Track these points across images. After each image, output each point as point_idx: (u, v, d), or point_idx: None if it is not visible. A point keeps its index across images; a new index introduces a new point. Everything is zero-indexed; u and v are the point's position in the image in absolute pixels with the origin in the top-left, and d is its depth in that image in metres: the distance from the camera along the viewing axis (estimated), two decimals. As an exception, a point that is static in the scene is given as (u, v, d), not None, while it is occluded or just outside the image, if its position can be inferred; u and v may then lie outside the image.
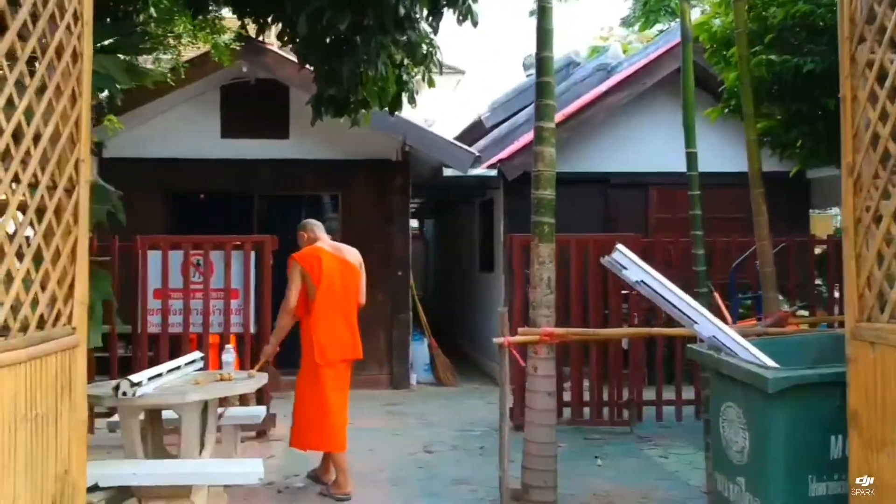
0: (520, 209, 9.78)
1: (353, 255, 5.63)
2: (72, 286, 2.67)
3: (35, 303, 2.44)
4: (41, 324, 2.49)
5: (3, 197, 2.23)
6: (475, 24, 4.50)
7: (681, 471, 5.80)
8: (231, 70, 8.96)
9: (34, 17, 2.36)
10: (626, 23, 18.05)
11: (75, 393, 2.71)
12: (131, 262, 6.95)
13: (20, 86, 2.30)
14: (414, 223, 18.66)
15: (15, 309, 2.32)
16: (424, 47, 4.86)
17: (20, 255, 2.35)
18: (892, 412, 2.68)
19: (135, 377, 4.35)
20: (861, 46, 2.89)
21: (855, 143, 2.90)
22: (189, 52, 8.70)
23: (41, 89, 2.43)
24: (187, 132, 9.54)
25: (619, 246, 3.73)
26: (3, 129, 2.20)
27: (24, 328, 2.37)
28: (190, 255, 6.88)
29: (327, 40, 4.13)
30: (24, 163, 2.33)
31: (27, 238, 2.39)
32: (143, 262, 6.85)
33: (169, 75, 8.13)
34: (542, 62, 4.66)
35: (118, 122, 6.99)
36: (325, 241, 5.58)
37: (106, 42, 3.95)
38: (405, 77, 4.71)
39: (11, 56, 2.27)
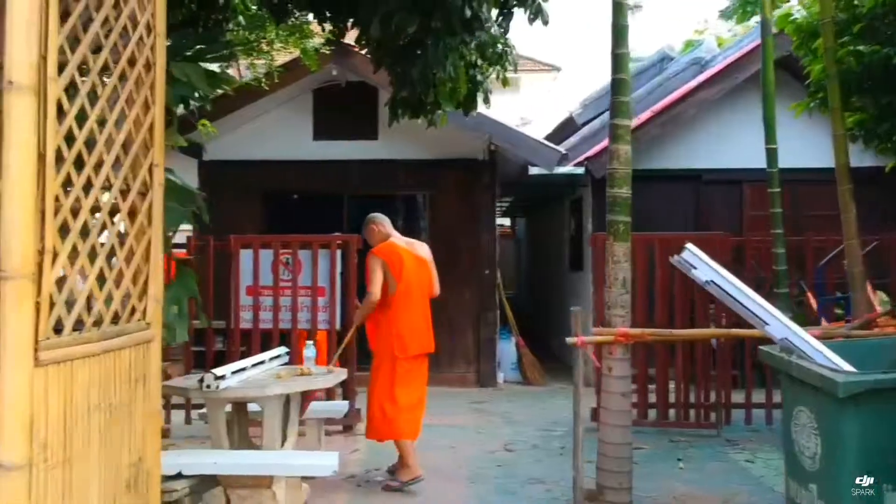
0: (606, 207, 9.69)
1: (424, 250, 5.79)
2: (146, 284, 2.82)
3: (109, 300, 2.59)
4: (116, 319, 2.65)
5: (77, 200, 2.38)
6: (545, 22, 4.49)
7: (766, 476, 5.64)
8: (323, 73, 9.21)
9: (107, 31, 2.51)
10: (725, 15, 17.54)
11: (150, 385, 2.86)
12: (226, 260, 7.25)
13: (93, 95, 2.45)
14: (506, 221, 18.70)
15: (89, 305, 2.48)
16: (499, 47, 4.89)
17: (94, 256, 2.50)
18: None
19: (219, 371, 4.55)
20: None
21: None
22: (283, 57, 9.00)
23: (114, 99, 2.58)
24: (282, 135, 9.86)
25: (689, 245, 3.66)
26: (75, 137, 2.35)
27: (98, 323, 2.52)
28: (279, 254, 7.11)
29: (399, 43, 4.22)
30: (98, 167, 2.48)
31: (100, 239, 2.54)
32: (235, 261, 7.12)
33: (263, 80, 8.45)
34: (617, 59, 4.60)
35: (212, 127, 7.29)
36: (397, 237, 5.71)
37: (189, 51, 4.11)
38: (479, 77, 4.74)
39: (84, 68, 2.42)
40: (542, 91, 28.26)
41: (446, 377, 9.64)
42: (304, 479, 5.27)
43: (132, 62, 2.69)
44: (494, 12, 4.34)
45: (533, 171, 9.41)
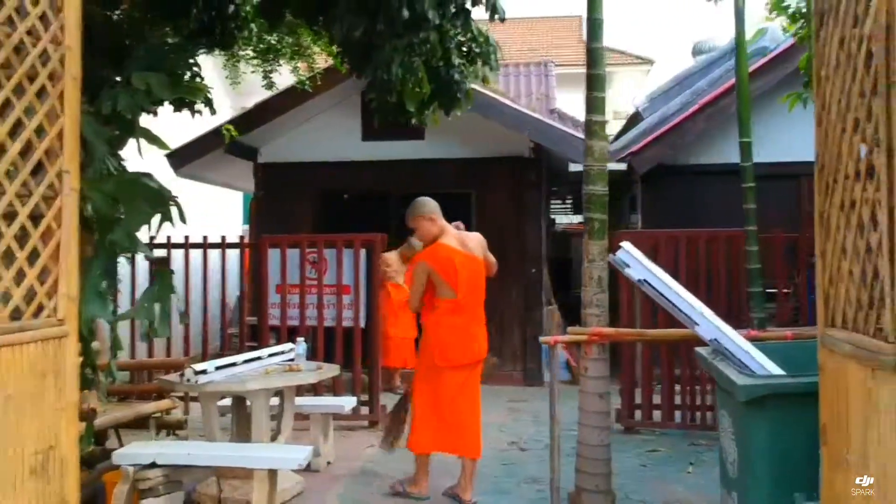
0: (657, 204, 9.47)
1: (477, 243, 5.23)
2: (56, 283, 2.99)
3: (7, 298, 2.77)
4: (18, 316, 2.83)
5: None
6: (502, 19, 4.46)
7: (772, 483, 5.41)
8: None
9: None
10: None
11: (64, 378, 3.02)
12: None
13: (-22, 108, 2.63)
14: (579, 218, 18.45)
15: (-22, 302, 2.66)
16: (482, 47, 4.90)
17: (-15, 256, 2.68)
18: (846, 428, 2.42)
19: (199, 366, 4.74)
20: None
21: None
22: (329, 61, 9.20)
23: (7, 110, 2.75)
24: (332, 136, 10.08)
25: (624, 244, 3.58)
26: (-48, 147, 2.53)
27: (-10, 320, 2.70)
28: (305, 253, 7.30)
29: (356, 46, 4.29)
30: (-15, 175, 2.66)
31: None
32: (263, 260, 7.36)
33: (307, 83, 8.67)
34: (591, 53, 4.52)
35: (234, 131, 7.56)
36: (449, 235, 5.12)
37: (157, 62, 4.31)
38: (457, 76, 4.75)
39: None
40: (635, 85, 27.75)
41: (493, 375, 9.65)
42: (300, 472, 5.43)
43: (32, 76, 2.86)
44: (448, 12, 4.32)
45: (574, 167, 9.28)
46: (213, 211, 12.09)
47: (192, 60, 4.39)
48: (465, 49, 4.84)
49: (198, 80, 5.41)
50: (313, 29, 5.31)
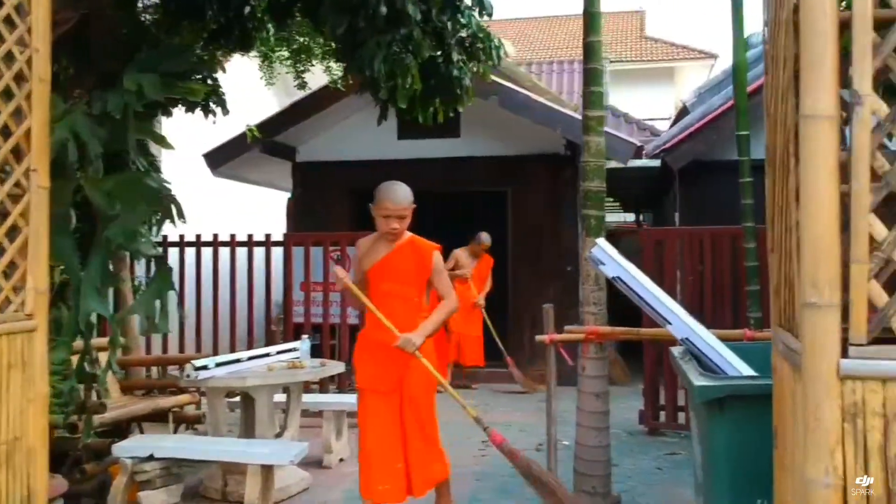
0: (694, 200, 9.24)
1: None
2: (24, 278, 3.08)
3: (-30, 292, 2.86)
4: (-17, 310, 2.92)
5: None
6: (489, 15, 4.41)
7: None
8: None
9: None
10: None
11: (32, 371, 3.11)
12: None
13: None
14: (630, 217, 18.17)
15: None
16: (483, 42, 4.87)
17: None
18: (785, 430, 2.32)
19: (200, 362, 4.82)
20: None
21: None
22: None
23: (-31, 111, 2.84)
24: (368, 135, 10.10)
25: (599, 241, 3.50)
26: None
27: (-48, 313, 2.80)
28: (329, 252, 7.36)
29: (343, 43, 4.30)
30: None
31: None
32: (289, 258, 7.44)
33: (339, 82, 8.75)
34: (588, 48, 4.43)
35: (255, 130, 7.67)
36: None
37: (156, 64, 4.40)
38: (455, 72, 4.72)
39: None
40: (698, 80, 27.18)
41: (527, 375, 9.58)
42: (310, 468, 5.49)
43: (-5, 77, 2.94)
44: (432, 7, 4.29)
45: (611, 164, 9.13)
46: (258, 211, 12.30)
47: (215, 62, 4.43)
48: (466, 45, 4.80)
49: (206, 81, 5.55)
50: (319, 29, 5.33)
